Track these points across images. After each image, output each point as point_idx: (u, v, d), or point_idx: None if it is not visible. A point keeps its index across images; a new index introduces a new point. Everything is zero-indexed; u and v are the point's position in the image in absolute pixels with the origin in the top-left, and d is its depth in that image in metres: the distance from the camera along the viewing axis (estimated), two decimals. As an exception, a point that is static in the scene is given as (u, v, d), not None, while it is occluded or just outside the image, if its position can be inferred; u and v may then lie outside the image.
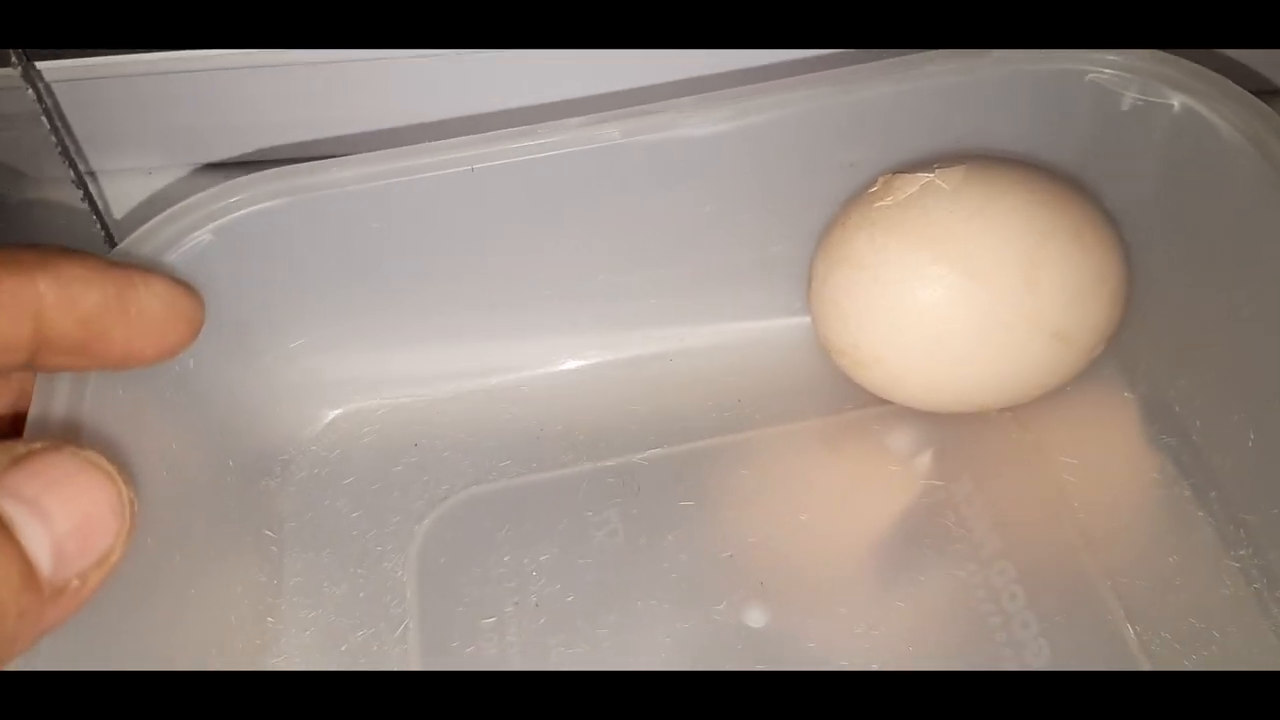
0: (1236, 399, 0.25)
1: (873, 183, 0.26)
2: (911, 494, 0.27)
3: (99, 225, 0.32)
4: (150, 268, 0.22)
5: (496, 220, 0.27)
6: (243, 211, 0.25)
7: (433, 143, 0.25)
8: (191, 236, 0.24)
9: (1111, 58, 0.26)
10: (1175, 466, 0.27)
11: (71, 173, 0.31)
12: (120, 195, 0.35)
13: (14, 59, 0.29)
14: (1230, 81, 0.25)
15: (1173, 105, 0.26)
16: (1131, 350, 0.28)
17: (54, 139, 0.30)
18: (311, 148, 0.34)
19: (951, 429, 0.27)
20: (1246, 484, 0.25)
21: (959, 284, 0.23)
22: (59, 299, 0.19)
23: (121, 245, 0.24)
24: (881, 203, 0.25)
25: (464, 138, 0.25)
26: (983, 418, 0.27)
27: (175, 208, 0.24)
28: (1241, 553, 0.25)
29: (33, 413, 0.20)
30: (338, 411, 0.30)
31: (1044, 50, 0.26)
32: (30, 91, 0.29)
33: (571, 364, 0.30)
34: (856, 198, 0.26)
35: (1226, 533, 0.25)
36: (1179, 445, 0.27)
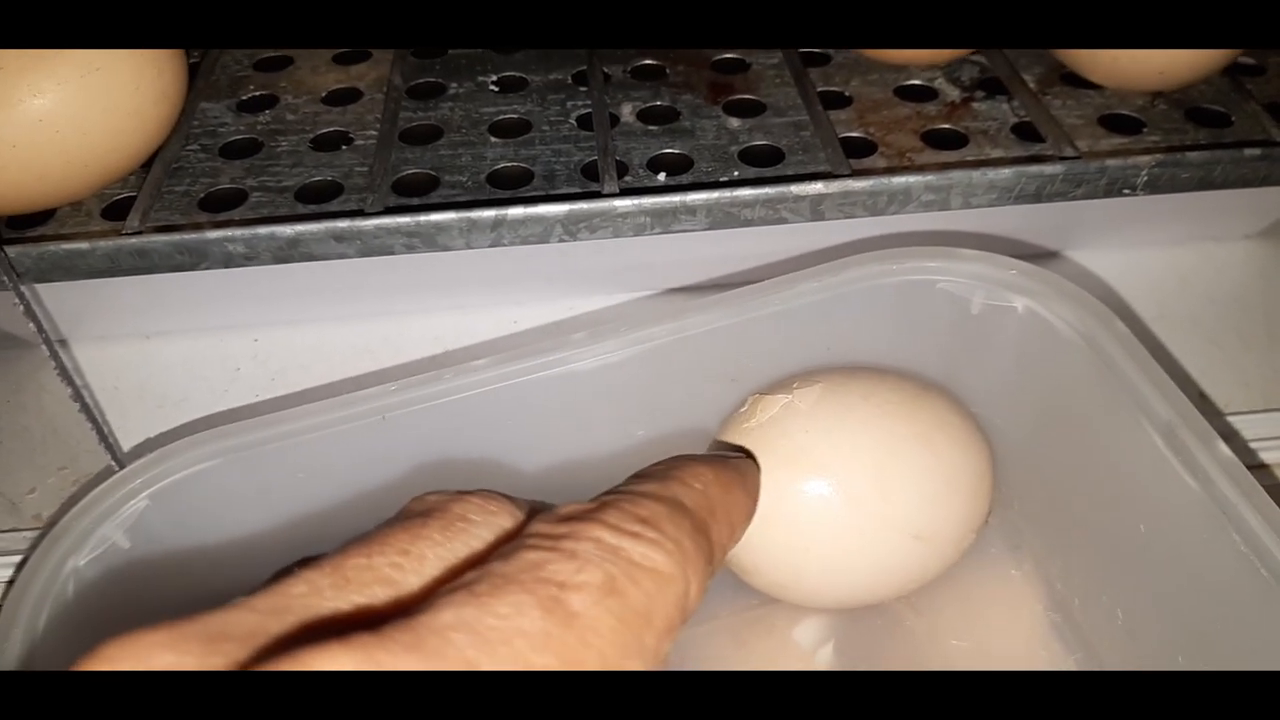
0: (1103, 579, 0.27)
1: (743, 403, 0.28)
2: (813, 688, 0.28)
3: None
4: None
5: (409, 461, 0.29)
6: (177, 475, 0.27)
7: (347, 395, 0.28)
8: (129, 505, 0.27)
9: (960, 266, 0.28)
10: (1060, 642, 0.28)
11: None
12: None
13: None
14: (1064, 280, 0.28)
15: (1016, 307, 0.28)
16: (1016, 529, 0.30)
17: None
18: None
19: (850, 620, 0.29)
20: (1123, 662, 0.27)
21: (819, 497, 0.25)
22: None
23: (62, 521, 0.26)
24: (748, 424, 0.27)
25: (374, 388, 0.28)
26: (878, 606, 0.29)
27: (111, 479, 0.27)
28: (1125, 728, 0.26)
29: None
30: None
31: (896, 263, 0.29)
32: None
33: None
34: (730, 418, 0.28)
35: (1110, 708, 0.27)
36: (1062, 622, 0.28)
